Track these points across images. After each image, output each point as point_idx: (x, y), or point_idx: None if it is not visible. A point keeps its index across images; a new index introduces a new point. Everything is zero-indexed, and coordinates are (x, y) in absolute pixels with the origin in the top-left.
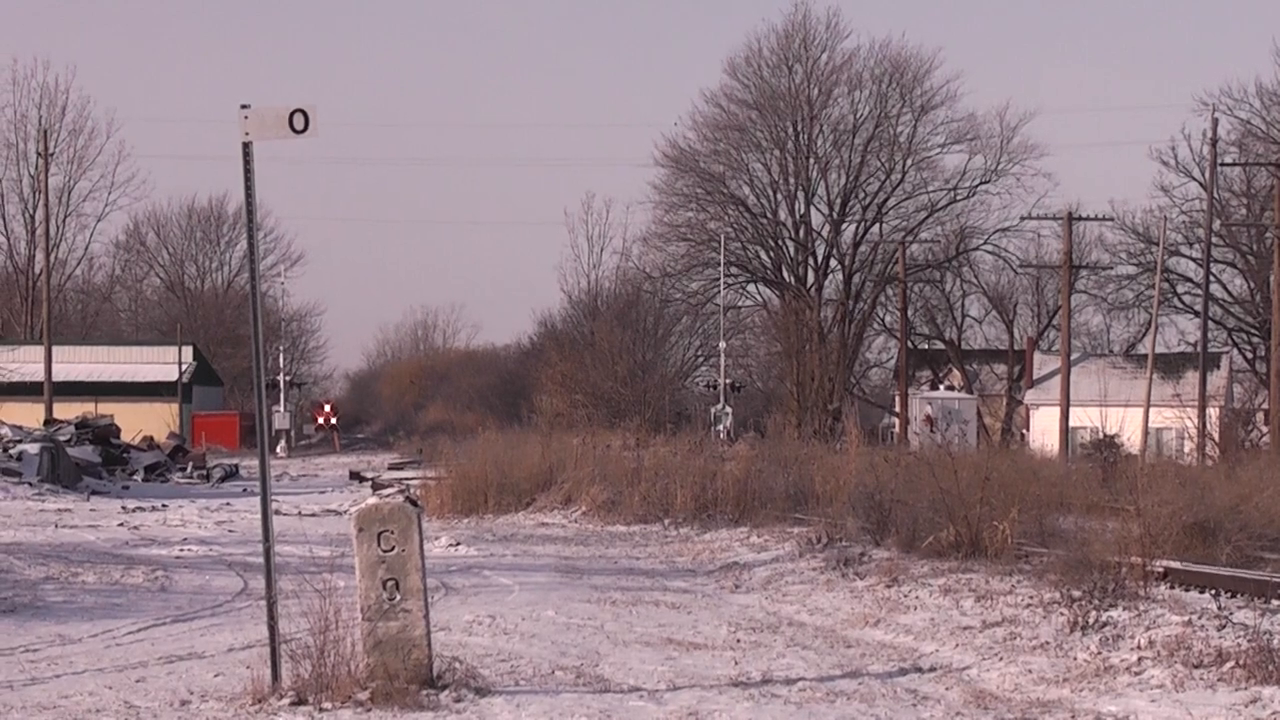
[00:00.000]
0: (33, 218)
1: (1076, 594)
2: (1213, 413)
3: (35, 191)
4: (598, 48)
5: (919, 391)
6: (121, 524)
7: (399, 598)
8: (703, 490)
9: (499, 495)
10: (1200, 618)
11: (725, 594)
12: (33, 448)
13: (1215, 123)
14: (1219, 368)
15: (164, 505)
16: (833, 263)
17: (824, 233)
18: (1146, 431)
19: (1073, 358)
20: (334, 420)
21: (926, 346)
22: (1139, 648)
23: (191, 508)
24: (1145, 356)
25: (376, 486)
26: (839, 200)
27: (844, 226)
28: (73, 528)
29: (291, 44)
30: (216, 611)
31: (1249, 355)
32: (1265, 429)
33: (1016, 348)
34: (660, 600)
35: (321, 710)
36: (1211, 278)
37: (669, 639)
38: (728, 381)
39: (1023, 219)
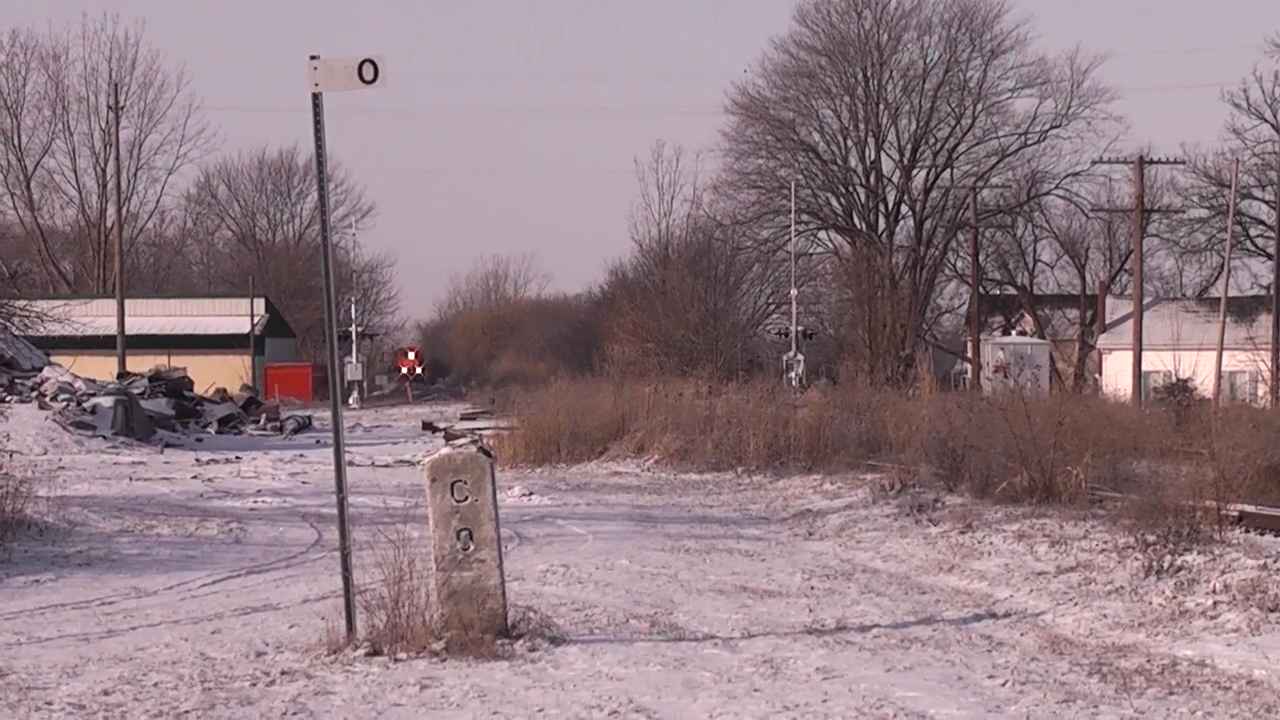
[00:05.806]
0: (104, 171)
1: (1151, 539)
2: None
3: (106, 145)
4: None
5: (991, 337)
6: (195, 476)
7: (473, 548)
8: (775, 438)
9: (571, 445)
10: (1275, 561)
11: (799, 541)
12: (106, 401)
13: None
14: None
15: (237, 457)
16: (904, 209)
17: (894, 179)
18: (1220, 375)
19: (1145, 302)
20: (418, 368)
21: (998, 292)
22: (1214, 592)
23: (265, 460)
24: (1218, 300)
25: (449, 437)
26: (909, 146)
27: (915, 172)
28: (147, 480)
29: None
30: (291, 563)
31: None
32: None
33: (1089, 292)
34: (734, 548)
35: (396, 660)
36: None
37: (743, 587)
38: (799, 329)
39: (1094, 163)
